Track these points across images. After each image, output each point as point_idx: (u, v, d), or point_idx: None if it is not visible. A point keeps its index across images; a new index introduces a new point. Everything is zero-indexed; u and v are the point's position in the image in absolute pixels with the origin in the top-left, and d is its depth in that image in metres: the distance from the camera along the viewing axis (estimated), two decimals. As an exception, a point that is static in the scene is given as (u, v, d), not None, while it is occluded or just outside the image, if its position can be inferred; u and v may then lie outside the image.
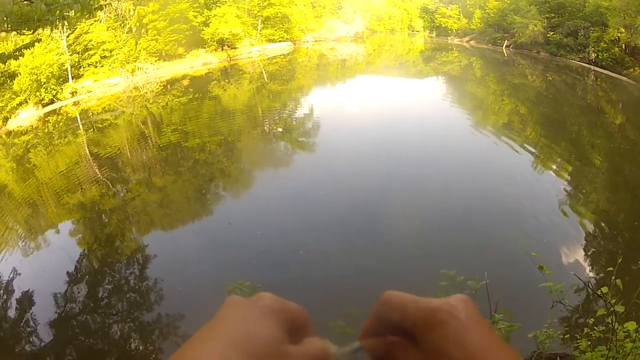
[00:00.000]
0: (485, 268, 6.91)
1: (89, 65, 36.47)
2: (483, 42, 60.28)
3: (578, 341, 5.01)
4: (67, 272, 11.91)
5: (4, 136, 27.18)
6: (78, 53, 35.72)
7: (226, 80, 39.82)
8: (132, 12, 39.67)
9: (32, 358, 9.19)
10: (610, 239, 13.10)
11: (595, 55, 42.18)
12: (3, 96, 27.68)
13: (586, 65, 42.81)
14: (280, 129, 25.02)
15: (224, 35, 45.55)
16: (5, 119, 28.57)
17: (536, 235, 12.50)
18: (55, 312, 10.36)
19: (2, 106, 28.22)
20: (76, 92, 33.98)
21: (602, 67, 40.73)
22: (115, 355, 9.28)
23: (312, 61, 51.92)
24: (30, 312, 10.36)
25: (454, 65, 49.38)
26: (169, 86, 37.16)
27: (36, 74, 29.93)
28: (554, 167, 18.77)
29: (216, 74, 42.41)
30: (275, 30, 53.41)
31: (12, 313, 10.52)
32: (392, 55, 61.49)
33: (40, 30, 10.48)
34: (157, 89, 36.27)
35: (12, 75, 14.17)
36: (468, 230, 12.98)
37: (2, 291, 11.35)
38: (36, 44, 13.46)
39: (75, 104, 32.87)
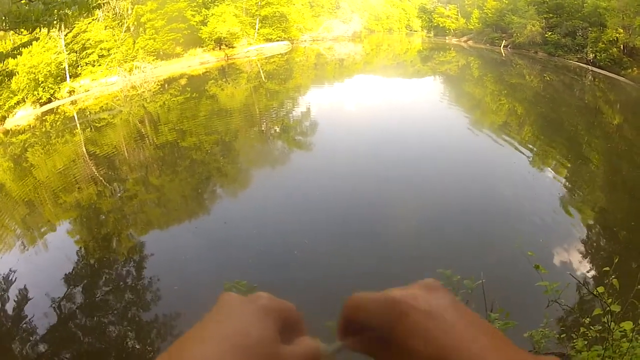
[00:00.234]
0: (482, 267, 6.92)
1: (86, 64, 36.45)
2: (481, 42, 60.30)
3: (574, 341, 5.02)
4: (64, 271, 11.89)
5: (1, 135, 27.14)
6: (76, 52, 35.70)
7: (223, 80, 39.82)
8: (130, 11, 39.65)
9: (28, 357, 9.17)
10: (607, 239, 13.12)
11: (593, 55, 42.21)
12: (0, 95, 27.65)
13: (584, 65, 42.84)
14: (277, 129, 25.02)
15: (222, 34, 45.53)
16: (3, 118, 28.52)
17: (533, 234, 12.51)
18: (52, 311, 10.34)
19: (0, 105, 28.20)
20: (74, 91, 33.96)
21: (600, 67, 40.76)
22: (113, 355, 9.27)
23: (309, 60, 51.92)
24: (27, 311, 10.35)
25: (452, 65, 49.40)
26: (166, 85, 37.15)
27: (34, 73, 29.90)
28: (552, 167, 18.79)
29: (214, 73, 42.39)
30: (273, 29, 53.41)
31: (8, 312, 10.51)
32: (389, 54, 61.51)
33: (38, 30, 10.43)
34: (155, 88, 36.26)
35: (10, 74, 14.13)
36: (465, 230, 12.98)
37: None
38: (34, 42, 13.41)
39: (73, 103, 32.84)
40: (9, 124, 28.70)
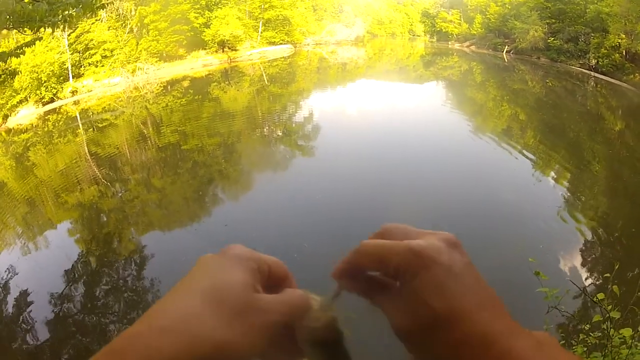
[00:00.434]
0: (483, 273, 6.91)
1: (89, 64, 36.49)
2: (483, 47, 60.31)
3: (574, 347, 5.01)
4: (65, 271, 11.90)
5: (3, 134, 27.18)
6: (79, 52, 35.74)
7: (226, 82, 39.85)
8: (133, 12, 39.69)
9: (28, 357, 9.17)
10: (608, 245, 13.10)
11: (596, 61, 42.22)
12: (3, 94, 27.69)
13: (586, 71, 42.85)
14: (279, 132, 25.03)
15: (225, 37, 45.57)
16: (5, 117, 28.56)
17: (534, 240, 12.51)
18: (52, 310, 10.34)
19: (2, 104, 28.22)
20: (76, 92, 34.00)
21: (602, 73, 40.79)
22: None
23: (312, 64, 51.94)
24: (27, 310, 10.35)
25: (454, 70, 49.42)
26: (169, 87, 37.17)
27: (37, 72, 29.93)
28: (553, 173, 18.78)
29: (216, 75, 42.42)
30: (276, 32, 53.50)
31: (8, 311, 10.51)
32: (392, 59, 61.52)
33: (42, 30, 10.46)
34: (157, 89, 36.28)
35: (13, 73, 14.15)
36: (466, 234, 12.94)
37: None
38: (37, 42, 13.45)
39: (76, 103, 32.88)
40: (12, 122, 28.73)
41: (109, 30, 37.96)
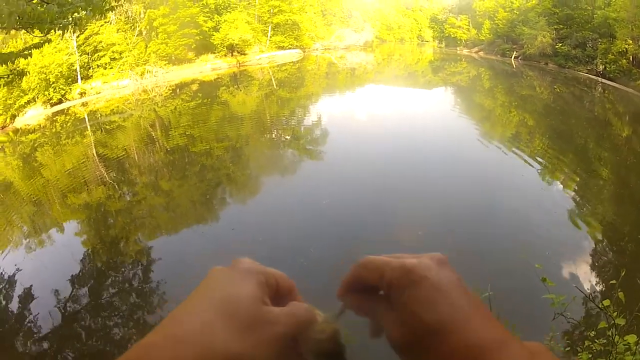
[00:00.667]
0: (489, 279, 6.90)
1: (98, 66, 36.72)
2: (492, 53, 60.27)
3: (579, 355, 5.00)
4: (70, 272, 11.93)
5: (11, 134, 27.34)
6: (87, 54, 35.96)
7: (235, 86, 39.91)
8: (142, 15, 39.88)
9: (32, 356, 9.20)
10: (614, 252, 13.05)
11: (603, 67, 42.15)
12: (11, 94, 27.82)
13: (594, 77, 42.79)
14: (288, 136, 25.03)
15: (234, 41, 45.74)
16: (13, 117, 28.71)
17: (540, 246, 12.46)
18: (57, 310, 10.36)
19: (10, 104, 28.37)
20: (85, 93, 34.18)
21: (609, 79, 40.71)
22: (116, 356, 9.27)
23: (321, 69, 52.00)
24: (32, 309, 10.39)
25: (463, 76, 49.37)
26: (177, 90, 37.29)
27: (45, 73, 30.10)
28: (560, 179, 18.71)
29: (225, 79, 42.53)
30: (285, 37, 53.64)
31: (13, 310, 10.55)
32: (401, 65, 61.53)
33: (53, 32, 10.51)
34: (166, 92, 36.40)
35: (21, 74, 14.21)
36: (472, 240, 12.93)
37: (4, 287, 11.40)
38: (46, 44, 13.53)
39: (84, 104, 33.05)
40: (19, 122, 28.90)
41: (117, 32, 38.19)
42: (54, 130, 27.62)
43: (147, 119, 29.43)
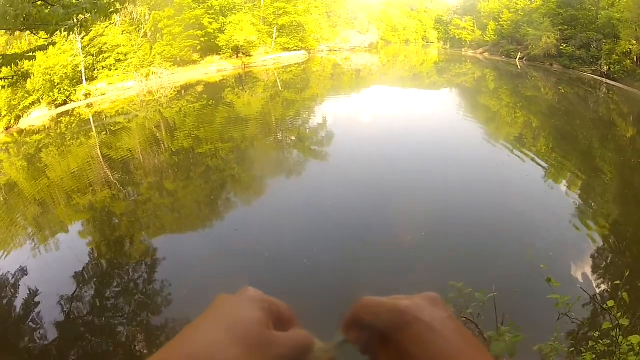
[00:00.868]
0: (494, 280, 6.90)
1: (103, 68, 36.76)
2: (497, 54, 60.30)
3: (583, 354, 4.99)
4: (75, 272, 11.95)
5: (15, 134, 27.42)
6: (92, 55, 36.02)
7: (240, 88, 39.95)
8: (147, 17, 39.94)
9: (36, 356, 9.22)
10: (618, 253, 13.01)
11: (607, 67, 42.17)
12: (16, 95, 27.90)
13: (598, 78, 42.83)
14: (293, 138, 25.04)
15: (239, 42, 45.79)
16: (18, 118, 28.78)
17: (545, 247, 12.44)
18: (61, 311, 10.38)
19: (15, 105, 28.44)
20: (90, 95, 34.24)
21: (614, 79, 40.74)
22: (120, 357, 9.29)
23: (326, 71, 52.02)
24: (36, 310, 10.41)
25: (468, 77, 49.35)
26: (183, 92, 37.36)
27: (50, 75, 30.17)
28: (565, 180, 18.69)
29: (230, 81, 42.57)
30: (290, 38, 53.70)
31: (18, 310, 10.58)
32: (406, 66, 61.57)
33: (58, 33, 10.56)
34: (171, 94, 36.46)
35: (26, 75, 14.21)
36: (477, 241, 12.92)
37: (8, 288, 11.43)
38: (50, 46, 13.58)
39: (89, 106, 33.13)
40: (24, 124, 28.97)
41: (122, 34, 38.23)
42: (58, 131, 27.69)
43: (152, 121, 29.48)
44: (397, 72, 56.13)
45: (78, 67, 33.94)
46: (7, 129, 27.85)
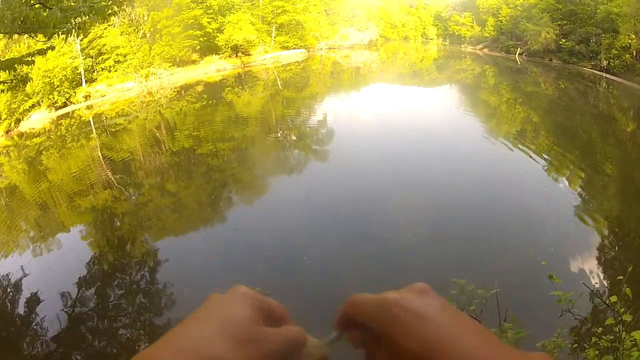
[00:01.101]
0: (496, 276, 6.88)
1: (102, 69, 36.80)
2: (496, 49, 60.26)
3: (586, 351, 4.98)
4: (77, 274, 11.96)
5: (15, 137, 27.48)
6: (92, 57, 36.05)
7: (240, 87, 39.95)
8: (146, 18, 39.93)
9: (39, 358, 9.22)
10: (620, 248, 13.00)
11: (607, 62, 42.15)
12: (15, 98, 27.90)
13: (598, 72, 42.79)
14: (293, 136, 25.03)
15: (238, 41, 45.76)
16: (18, 121, 28.80)
17: (547, 243, 12.43)
18: (64, 312, 10.39)
19: (15, 108, 28.46)
20: (89, 96, 34.28)
21: (613, 74, 40.71)
22: (123, 358, 9.29)
23: (326, 69, 52.00)
24: (38, 311, 10.41)
25: (467, 74, 49.30)
26: (182, 92, 37.36)
27: (49, 77, 30.19)
28: (566, 175, 18.68)
29: (230, 80, 42.56)
30: (289, 37, 53.64)
31: (20, 311, 10.59)
32: (405, 63, 61.52)
33: (55, 37, 10.53)
34: (171, 94, 36.46)
35: (25, 80, 14.16)
36: (478, 237, 12.91)
37: (10, 290, 11.44)
38: (48, 50, 13.56)
39: (89, 107, 33.17)
40: (24, 126, 29.01)
41: (121, 35, 38.24)
42: (59, 133, 27.73)
43: (153, 121, 29.49)
44: (397, 69, 56.11)
45: (77, 69, 33.99)
46: (7, 132, 27.90)
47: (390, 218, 14.25)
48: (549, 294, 4.73)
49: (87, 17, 9.96)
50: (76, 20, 9.97)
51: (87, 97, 34.02)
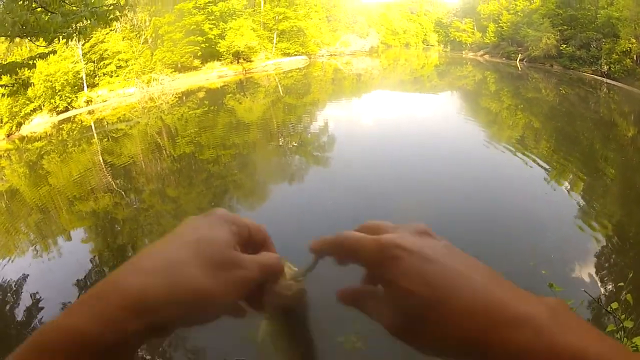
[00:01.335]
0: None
1: (104, 74, 36.86)
2: (497, 56, 60.31)
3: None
4: (77, 278, 11.93)
5: (17, 141, 27.50)
6: (93, 62, 36.14)
7: (241, 93, 39.93)
8: (147, 23, 40.01)
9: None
10: (621, 254, 12.95)
11: (608, 67, 42.18)
12: (17, 101, 27.94)
13: (599, 77, 42.79)
14: (294, 143, 25.01)
15: (240, 48, 45.82)
16: (19, 124, 28.84)
17: (548, 247, 12.38)
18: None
19: (16, 111, 28.51)
20: (91, 101, 34.31)
21: (614, 79, 40.70)
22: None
23: (327, 75, 52.01)
24: (39, 316, 10.38)
25: (468, 80, 49.29)
26: (184, 98, 37.35)
27: (51, 81, 30.23)
28: (566, 181, 18.63)
29: (232, 86, 42.56)
30: (290, 43, 53.74)
31: (19, 315, 10.55)
32: (407, 69, 61.52)
33: (56, 41, 10.54)
34: (173, 100, 36.44)
35: (26, 84, 14.13)
36: (480, 242, 12.84)
37: (10, 293, 11.42)
38: (51, 54, 13.55)
39: (90, 112, 33.18)
40: (25, 130, 29.06)
41: (123, 40, 38.29)
42: (60, 138, 27.74)
43: (154, 127, 29.48)
44: (398, 75, 56.09)
45: (79, 74, 34.03)
46: (8, 135, 27.94)
47: (391, 222, 14.20)
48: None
49: (88, 21, 9.96)
50: (77, 24, 9.98)
51: (88, 102, 34.04)
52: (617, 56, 41.04)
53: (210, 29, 44.98)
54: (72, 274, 12.07)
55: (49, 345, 0.50)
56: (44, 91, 29.96)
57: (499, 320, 0.53)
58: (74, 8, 10.35)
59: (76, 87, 33.64)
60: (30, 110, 29.53)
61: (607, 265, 12.32)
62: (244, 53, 46.84)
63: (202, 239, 0.63)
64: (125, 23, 38.28)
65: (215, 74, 45.07)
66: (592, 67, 44.82)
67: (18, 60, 13.87)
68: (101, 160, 22.56)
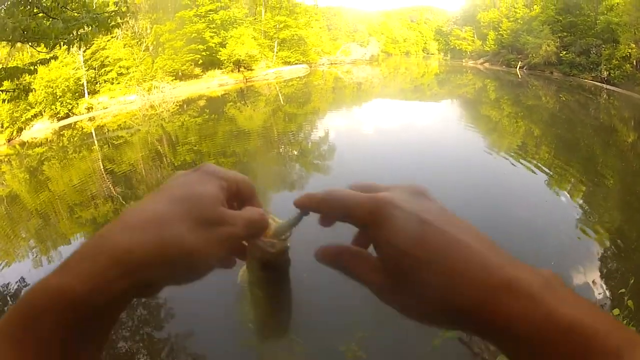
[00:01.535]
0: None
1: (105, 81, 36.93)
2: (497, 63, 60.44)
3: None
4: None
5: (17, 147, 27.53)
6: (94, 69, 36.21)
7: (242, 102, 39.96)
8: (149, 31, 40.13)
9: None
10: (622, 260, 12.90)
11: (607, 73, 42.27)
12: (18, 107, 27.99)
13: (599, 84, 42.86)
14: (295, 151, 25.00)
15: (241, 56, 45.89)
16: (20, 130, 28.89)
17: (548, 256, 12.34)
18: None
19: (17, 117, 28.57)
20: (92, 108, 34.35)
21: (614, 85, 40.77)
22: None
23: (327, 84, 52.05)
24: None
25: (469, 88, 49.32)
26: (185, 106, 37.37)
27: (52, 87, 30.28)
28: (566, 188, 18.59)
29: (232, 95, 42.59)
30: (291, 52, 53.85)
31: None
32: (407, 78, 61.57)
33: (57, 47, 10.56)
34: (173, 108, 36.46)
35: (27, 90, 14.13)
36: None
37: (10, 299, 11.40)
38: (52, 61, 13.55)
39: (91, 119, 33.21)
40: (26, 136, 29.10)
41: (124, 47, 38.38)
42: (60, 144, 27.75)
43: (155, 135, 29.49)
44: (398, 84, 56.14)
45: (80, 81, 34.09)
46: (9, 140, 27.99)
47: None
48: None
49: (89, 28, 9.99)
50: (79, 31, 10.01)
51: (89, 109, 34.07)
52: (616, 62, 41.14)
53: (211, 37, 45.07)
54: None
55: (37, 305, 0.51)
56: (45, 97, 30.01)
57: (495, 285, 0.52)
58: (76, 14, 10.40)
59: (77, 94, 33.68)
60: (31, 115, 29.60)
61: (608, 271, 12.29)
62: (244, 61, 46.91)
63: (191, 195, 0.63)
64: (127, 30, 38.37)
65: (216, 82, 45.12)
66: (592, 74, 44.91)
67: (19, 66, 13.88)
68: (102, 167, 22.57)
